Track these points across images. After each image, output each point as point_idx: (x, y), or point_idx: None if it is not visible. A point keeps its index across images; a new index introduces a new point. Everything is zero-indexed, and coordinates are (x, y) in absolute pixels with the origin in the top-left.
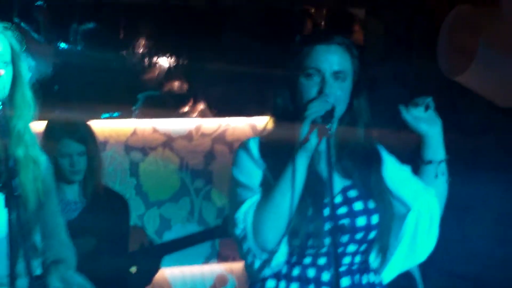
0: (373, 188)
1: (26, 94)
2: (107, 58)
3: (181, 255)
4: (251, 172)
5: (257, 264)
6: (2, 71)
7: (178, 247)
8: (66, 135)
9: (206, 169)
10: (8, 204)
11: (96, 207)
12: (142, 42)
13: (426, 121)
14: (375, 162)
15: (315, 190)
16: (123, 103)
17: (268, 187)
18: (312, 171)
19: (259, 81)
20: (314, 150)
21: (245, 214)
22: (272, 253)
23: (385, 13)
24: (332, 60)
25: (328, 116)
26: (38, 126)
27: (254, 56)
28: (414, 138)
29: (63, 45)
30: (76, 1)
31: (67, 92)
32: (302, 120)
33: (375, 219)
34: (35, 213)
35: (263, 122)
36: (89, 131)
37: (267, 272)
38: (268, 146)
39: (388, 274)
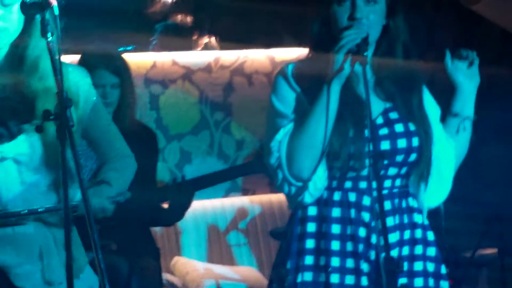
0: (414, 110)
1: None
2: None
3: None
4: (287, 97)
5: (294, 191)
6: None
7: (209, 182)
8: (101, 66)
9: (225, 101)
10: (61, 134)
11: (127, 140)
12: None
13: (465, 74)
14: (416, 84)
15: (354, 112)
16: (138, 35)
17: (303, 114)
18: (351, 94)
19: (275, 13)
20: (351, 74)
21: (279, 142)
22: (306, 181)
23: None
24: None
25: (363, 43)
26: (72, 57)
27: None
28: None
29: None
30: None
31: (78, 25)
32: (337, 49)
33: (415, 141)
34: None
35: (281, 53)
36: (124, 64)
37: (307, 199)
38: (303, 72)
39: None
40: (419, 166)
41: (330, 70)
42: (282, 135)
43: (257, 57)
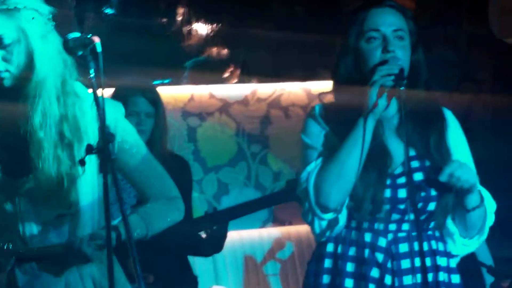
0: (436, 158)
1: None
2: (151, 25)
3: (238, 219)
4: (318, 135)
5: (317, 225)
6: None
7: (242, 212)
8: (137, 93)
9: (262, 133)
10: (103, 168)
11: None
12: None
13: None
14: (439, 127)
15: (378, 157)
16: (172, 69)
17: (333, 150)
18: (376, 139)
19: (311, 46)
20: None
21: (309, 173)
22: (332, 212)
23: None
24: (389, 20)
25: (398, 78)
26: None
27: (304, 21)
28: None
29: (107, 11)
30: None
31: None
32: (371, 84)
33: (433, 190)
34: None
35: (317, 86)
36: (159, 96)
37: (327, 233)
38: (333, 110)
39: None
40: (440, 213)
41: (365, 105)
42: (312, 166)
43: (294, 90)
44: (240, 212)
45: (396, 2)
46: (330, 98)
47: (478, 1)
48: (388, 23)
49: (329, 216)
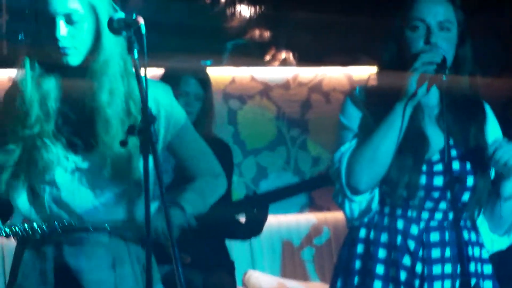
0: (474, 148)
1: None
2: (194, 6)
3: (276, 204)
4: (355, 116)
5: (347, 207)
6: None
7: (281, 196)
8: (188, 74)
9: (302, 118)
10: (145, 149)
11: None
12: None
13: None
14: (479, 119)
15: (415, 142)
16: (215, 51)
17: (368, 133)
18: (415, 124)
19: (354, 30)
20: (419, 102)
21: (342, 154)
22: (362, 195)
23: None
24: (436, 10)
25: (440, 67)
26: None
27: (348, 5)
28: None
29: None
30: None
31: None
32: (411, 71)
33: (470, 181)
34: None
35: (358, 72)
36: (208, 78)
37: (360, 218)
38: (373, 94)
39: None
40: (474, 205)
41: (403, 91)
42: (346, 147)
43: (335, 75)
44: (279, 196)
45: None
46: (372, 82)
47: None
48: (435, 13)
49: (359, 198)
